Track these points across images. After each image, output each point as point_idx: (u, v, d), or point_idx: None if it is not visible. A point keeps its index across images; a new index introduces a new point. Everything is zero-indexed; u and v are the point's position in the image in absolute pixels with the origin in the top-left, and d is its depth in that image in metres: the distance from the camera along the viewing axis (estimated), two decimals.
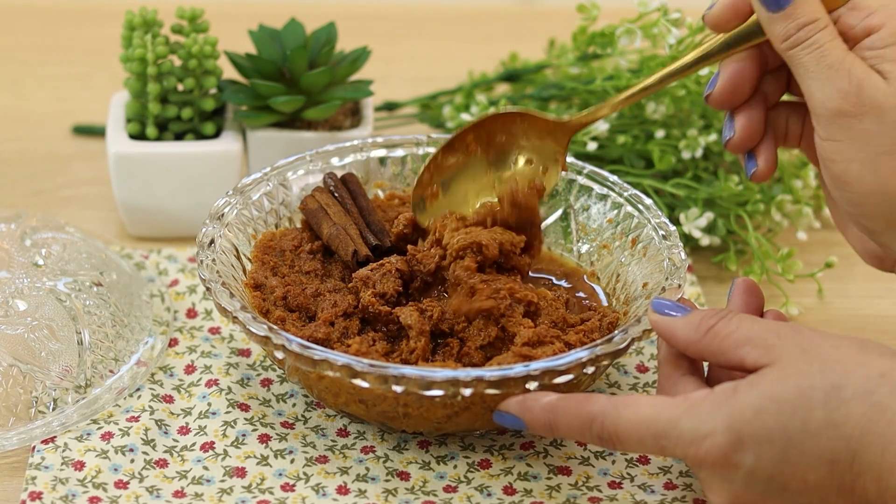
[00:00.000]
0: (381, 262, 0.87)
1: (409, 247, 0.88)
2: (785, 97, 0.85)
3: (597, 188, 0.94)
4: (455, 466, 0.83)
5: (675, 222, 1.00)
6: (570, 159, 0.95)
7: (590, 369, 0.79)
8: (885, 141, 0.77)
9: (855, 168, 0.78)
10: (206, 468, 0.83)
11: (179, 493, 0.81)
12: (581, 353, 0.79)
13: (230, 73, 1.02)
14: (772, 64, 0.83)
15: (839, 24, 0.79)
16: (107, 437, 0.84)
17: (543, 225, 0.95)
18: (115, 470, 0.82)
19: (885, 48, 0.78)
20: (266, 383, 0.89)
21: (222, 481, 0.82)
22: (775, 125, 0.84)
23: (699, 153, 1.01)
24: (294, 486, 0.82)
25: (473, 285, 0.84)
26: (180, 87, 1.00)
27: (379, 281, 0.85)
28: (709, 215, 0.98)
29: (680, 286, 0.84)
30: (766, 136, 0.84)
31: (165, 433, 0.85)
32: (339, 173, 0.94)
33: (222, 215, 0.89)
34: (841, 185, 0.79)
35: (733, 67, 0.82)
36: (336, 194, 0.93)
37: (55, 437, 0.84)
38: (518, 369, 0.77)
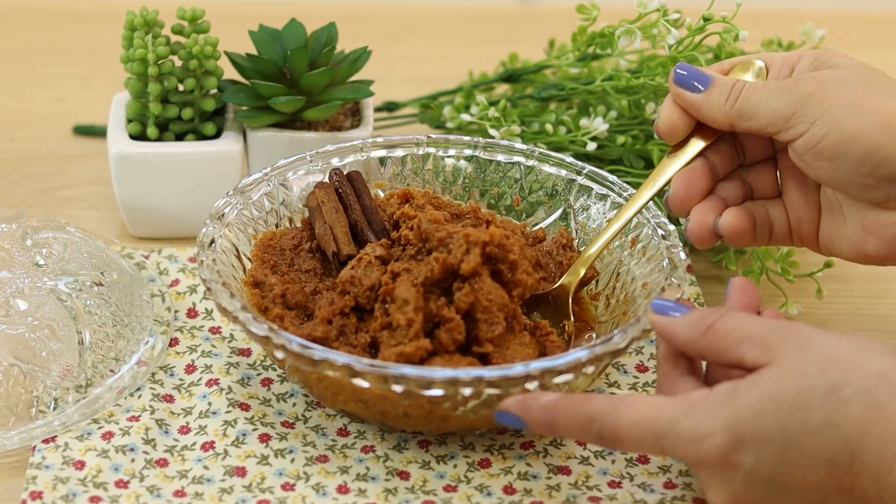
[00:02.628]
0: (358, 255, 0.86)
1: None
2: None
3: (596, 188, 0.94)
4: (455, 466, 0.83)
5: (675, 222, 1.00)
6: (569, 159, 0.95)
7: (589, 369, 0.79)
8: (850, 90, 0.81)
9: (848, 125, 0.80)
10: (206, 468, 0.83)
11: (180, 493, 0.81)
12: (580, 353, 0.79)
13: (231, 73, 1.02)
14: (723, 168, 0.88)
15: None
16: (107, 436, 0.84)
17: (543, 224, 0.95)
18: (116, 469, 0.82)
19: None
20: (266, 383, 0.89)
21: (223, 481, 0.82)
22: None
23: None
24: (294, 485, 0.82)
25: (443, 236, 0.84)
26: (181, 88, 1.00)
27: (364, 275, 0.85)
28: None
29: (679, 286, 0.84)
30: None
31: (166, 433, 0.85)
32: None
33: (223, 215, 0.89)
34: (837, 154, 0.81)
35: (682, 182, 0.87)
36: (340, 190, 0.93)
37: (56, 436, 0.84)
38: (517, 369, 0.77)
